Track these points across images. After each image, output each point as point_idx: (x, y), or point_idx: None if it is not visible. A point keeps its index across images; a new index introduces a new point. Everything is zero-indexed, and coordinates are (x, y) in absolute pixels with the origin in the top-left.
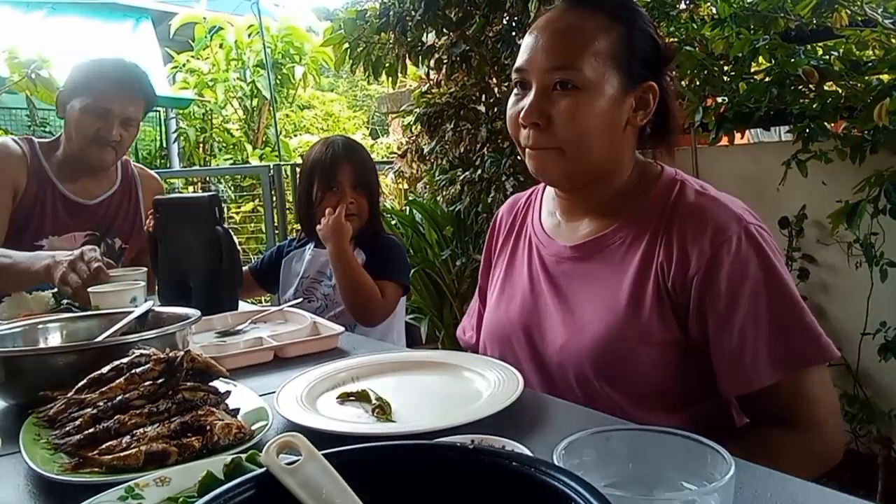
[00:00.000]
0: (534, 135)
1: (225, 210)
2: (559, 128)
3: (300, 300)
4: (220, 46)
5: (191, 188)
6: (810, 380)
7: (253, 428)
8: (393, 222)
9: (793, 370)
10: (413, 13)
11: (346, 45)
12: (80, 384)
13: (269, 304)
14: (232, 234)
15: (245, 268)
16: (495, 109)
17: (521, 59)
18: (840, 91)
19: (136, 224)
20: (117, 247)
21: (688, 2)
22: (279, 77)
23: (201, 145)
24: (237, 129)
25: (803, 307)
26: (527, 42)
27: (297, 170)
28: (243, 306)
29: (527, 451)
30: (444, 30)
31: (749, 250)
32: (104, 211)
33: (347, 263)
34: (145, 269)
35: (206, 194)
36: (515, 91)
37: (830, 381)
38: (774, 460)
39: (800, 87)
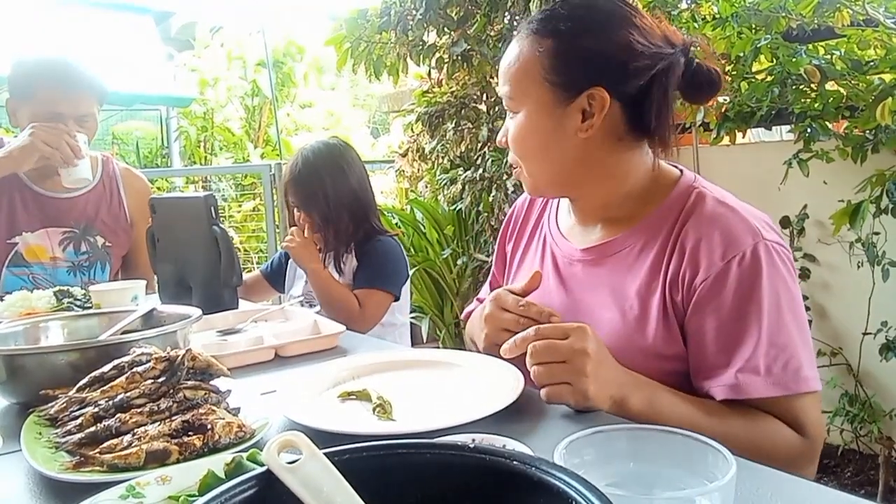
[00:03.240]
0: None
1: (226, 208)
2: (510, 148)
3: (300, 299)
4: (222, 45)
5: (192, 187)
6: (804, 401)
7: (254, 427)
8: (394, 221)
9: (783, 391)
10: (414, 12)
11: (348, 45)
12: (81, 383)
13: (269, 302)
14: (228, 233)
15: (256, 271)
16: (496, 108)
17: None
18: (842, 91)
19: (121, 222)
20: (100, 245)
21: (689, 1)
22: (280, 76)
23: (202, 144)
24: (238, 128)
25: (798, 334)
26: None
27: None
28: (244, 305)
29: (528, 450)
30: (446, 29)
31: (759, 266)
32: (82, 207)
33: (314, 279)
34: (144, 281)
35: (201, 194)
36: None
37: (820, 407)
38: (770, 445)
39: (801, 86)
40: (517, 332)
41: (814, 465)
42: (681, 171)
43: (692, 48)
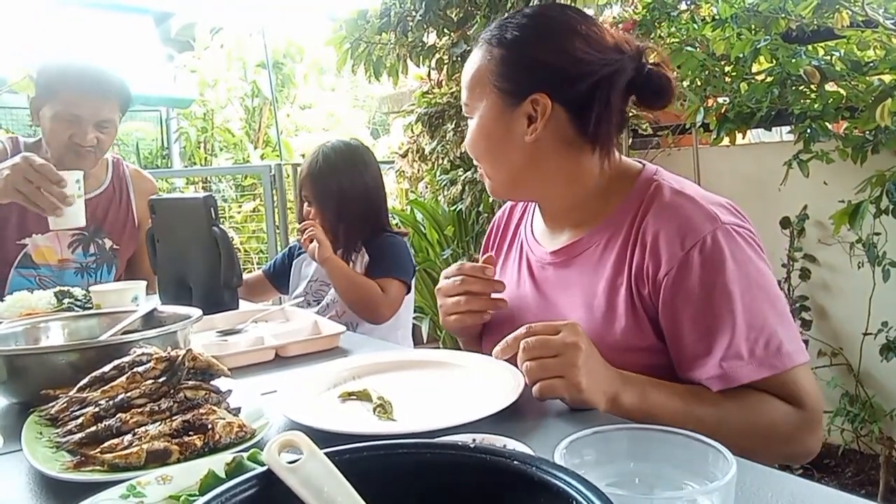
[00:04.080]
0: None
1: (226, 209)
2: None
3: (301, 300)
4: (221, 46)
5: (192, 188)
6: (794, 374)
7: (254, 426)
8: (394, 222)
9: (770, 371)
10: (414, 13)
11: (348, 46)
12: (81, 383)
13: (270, 303)
14: (228, 234)
15: (258, 271)
16: None
17: None
18: (841, 91)
19: (129, 225)
20: (108, 247)
21: (689, 2)
22: (280, 77)
23: (202, 145)
24: (238, 129)
25: (773, 311)
26: None
27: (299, 170)
28: (244, 305)
29: (528, 450)
30: (445, 30)
31: (722, 250)
32: (91, 210)
33: (334, 268)
34: (145, 282)
35: (201, 195)
36: None
37: (812, 376)
38: (768, 423)
39: (801, 87)
40: (458, 297)
41: (816, 435)
42: (642, 164)
43: (645, 55)
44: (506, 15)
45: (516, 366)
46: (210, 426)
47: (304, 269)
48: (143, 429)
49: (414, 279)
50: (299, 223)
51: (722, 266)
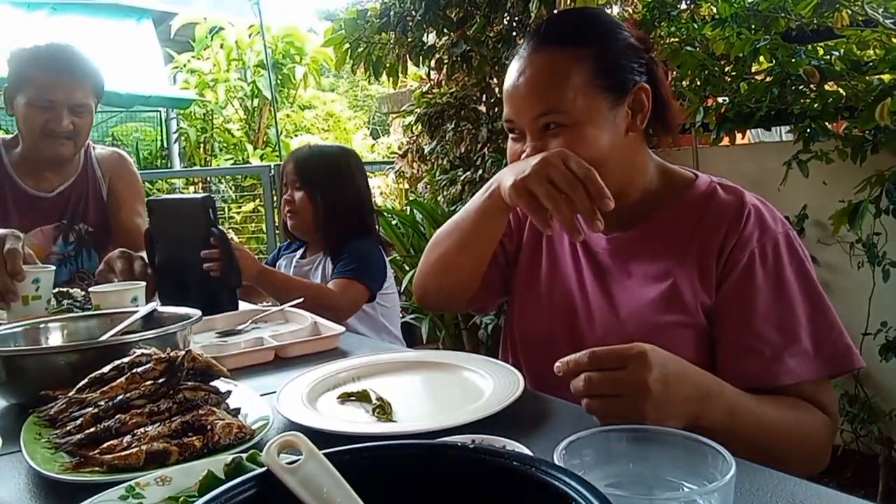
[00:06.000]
0: None
1: (226, 210)
2: None
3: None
4: (221, 47)
5: (192, 188)
6: (827, 385)
7: (254, 427)
8: (394, 222)
9: (833, 370)
10: (414, 13)
11: (347, 46)
12: (81, 384)
13: (269, 303)
14: (227, 235)
15: None
16: (496, 109)
17: (506, 111)
18: (841, 91)
19: (99, 203)
20: (84, 231)
21: (688, 2)
22: (280, 77)
23: (202, 145)
24: (238, 130)
25: (836, 317)
26: (506, 91)
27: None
28: (244, 306)
29: (527, 451)
30: (445, 30)
31: (791, 252)
32: (66, 201)
33: (268, 283)
34: (144, 283)
35: (199, 195)
36: (511, 135)
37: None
38: (816, 431)
39: (801, 87)
40: (561, 190)
41: (824, 453)
42: (695, 173)
43: None
44: (551, 14)
45: (519, 368)
46: (209, 427)
47: (282, 269)
48: (142, 430)
49: (393, 289)
50: (287, 212)
51: (789, 267)
